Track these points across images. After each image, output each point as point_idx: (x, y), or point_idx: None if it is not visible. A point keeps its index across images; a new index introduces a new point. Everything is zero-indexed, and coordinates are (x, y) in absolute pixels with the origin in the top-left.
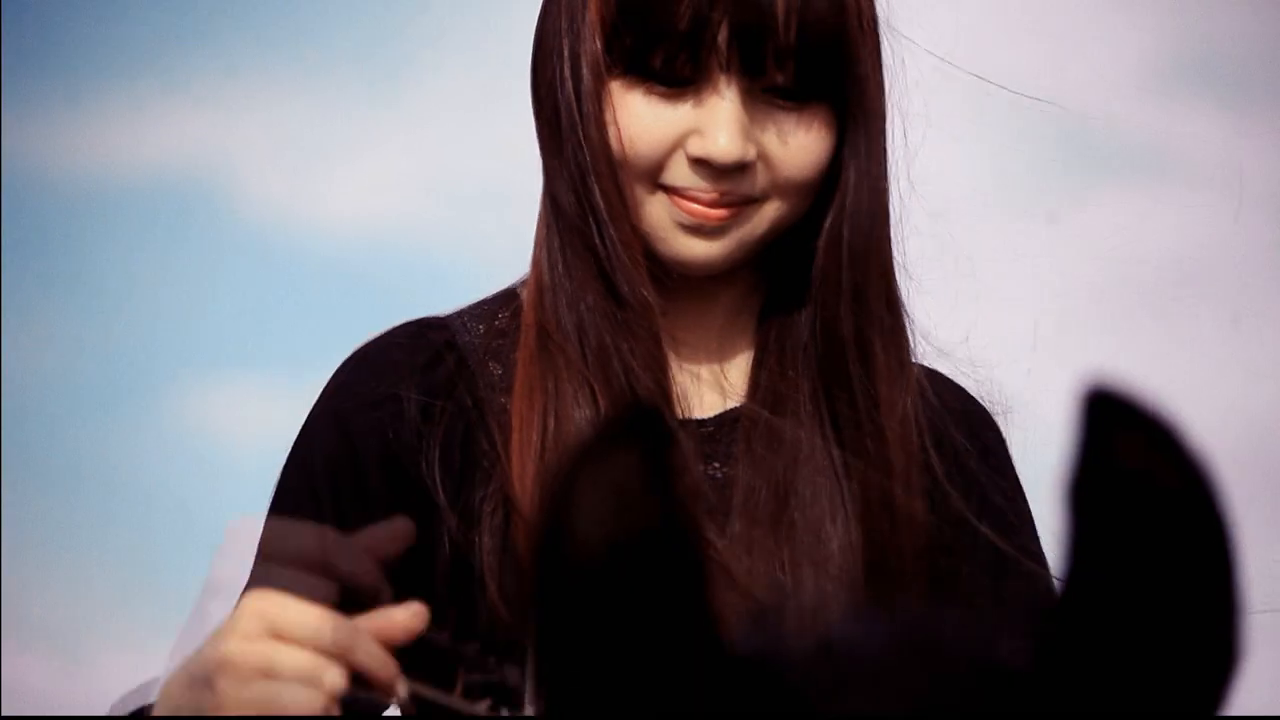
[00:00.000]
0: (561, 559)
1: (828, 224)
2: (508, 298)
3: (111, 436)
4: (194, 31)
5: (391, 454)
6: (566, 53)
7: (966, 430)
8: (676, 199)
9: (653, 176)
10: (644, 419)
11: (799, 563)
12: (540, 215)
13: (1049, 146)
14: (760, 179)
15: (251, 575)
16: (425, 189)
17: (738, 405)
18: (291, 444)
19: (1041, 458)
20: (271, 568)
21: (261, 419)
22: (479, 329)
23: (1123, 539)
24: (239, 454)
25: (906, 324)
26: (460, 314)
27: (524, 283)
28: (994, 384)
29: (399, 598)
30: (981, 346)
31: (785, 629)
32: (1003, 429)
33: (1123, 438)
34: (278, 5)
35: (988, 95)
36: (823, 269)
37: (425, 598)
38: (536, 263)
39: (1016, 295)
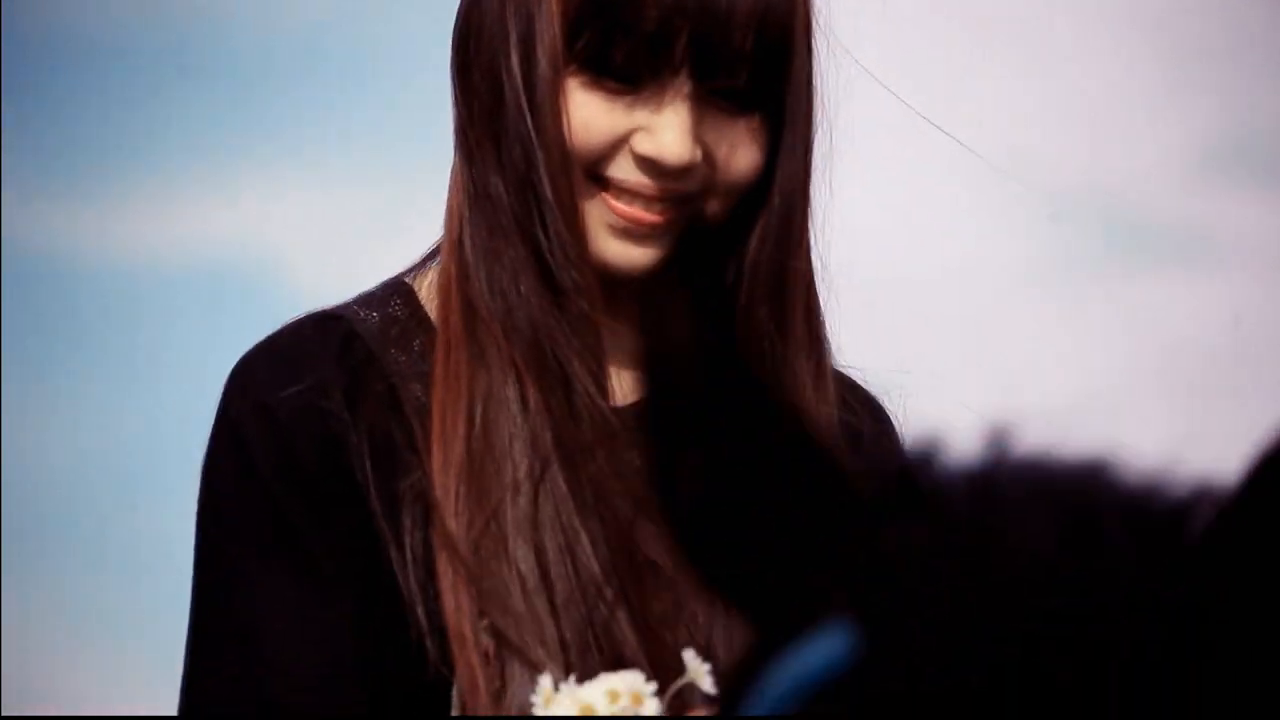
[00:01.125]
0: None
1: (759, 224)
2: (396, 287)
3: (148, 521)
4: (229, 120)
5: (326, 444)
6: (514, 40)
7: (873, 424)
8: (610, 202)
9: (594, 171)
10: None
11: None
12: (456, 199)
13: (1090, 230)
14: (700, 179)
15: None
16: None
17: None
18: (214, 445)
19: None
20: None
21: None
22: (373, 317)
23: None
24: None
25: (826, 334)
26: (350, 305)
27: (417, 273)
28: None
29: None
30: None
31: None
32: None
33: None
34: (316, 93)
35: (1030, 179)
36: (750, 270)
37: (372, 600)
38: (456, 245)
39: (1053, 377)
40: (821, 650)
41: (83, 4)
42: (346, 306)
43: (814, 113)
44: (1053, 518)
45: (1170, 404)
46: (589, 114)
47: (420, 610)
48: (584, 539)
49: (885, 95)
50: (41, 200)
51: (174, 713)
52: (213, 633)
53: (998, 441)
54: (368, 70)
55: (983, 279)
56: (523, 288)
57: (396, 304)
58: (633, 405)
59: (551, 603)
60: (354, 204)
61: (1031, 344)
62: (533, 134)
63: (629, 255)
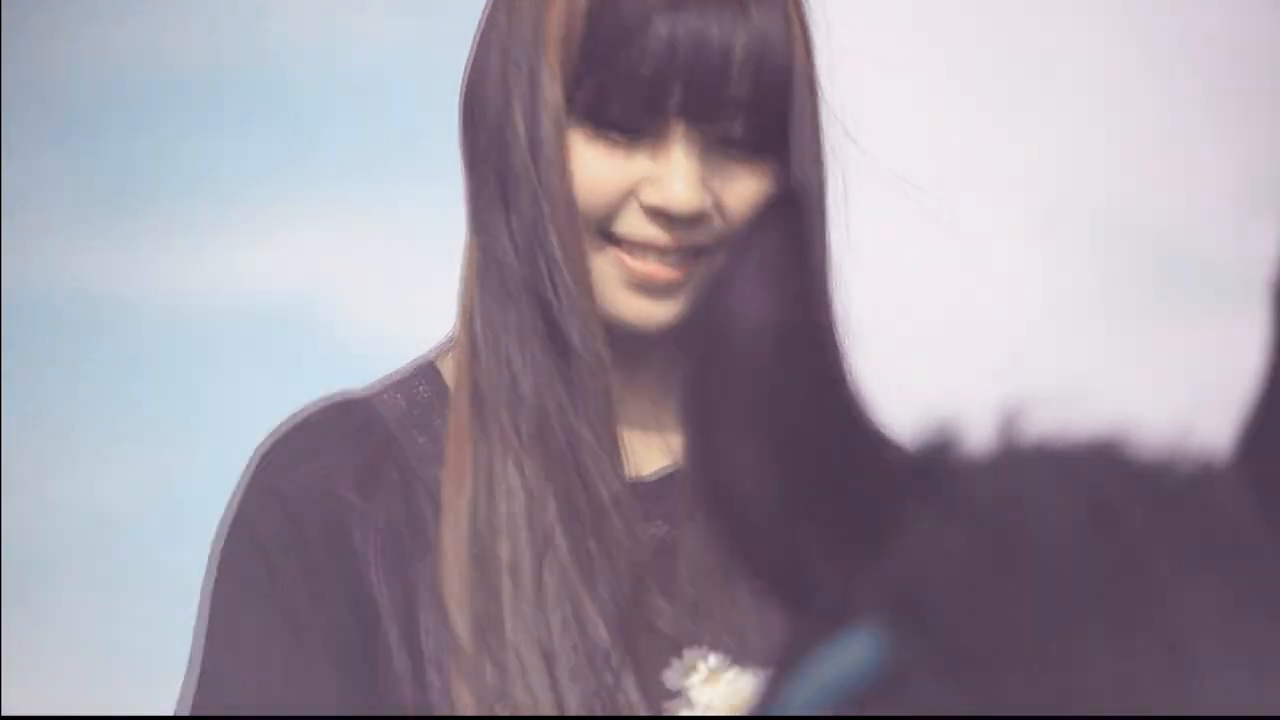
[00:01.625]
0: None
1: None
2: (424, 370)
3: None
4: (291, 163)
5: (332, 528)
6: (517, 100)
7: None
8: (623, 257)
9: (603, 227)
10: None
11: (745, 630)
12: (468, 271)
13: (1147, 270)
14: (714, 230)
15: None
16: None
17: (677, 462)
18: (227, 528)
19: None
20: None
21: None
22: (399, 400)
23: None
24: None
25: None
26: (378, 386)
27: (442, 352)
28: None
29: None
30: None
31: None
32: None
33: None
34: (372, 135)
35: (1084, 220)
36: None
37: (369, 680)
38: (468, 318)
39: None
40: (848, 657)
41: (132, 41)
42: (374, 388)
43: (823, 155)
44: (1073, 504)
45: (1216, 444)
46: (594, 166)
47: (436, 696)
48: (590, 607)
49: (922, 130)
50: (86, 238)
51: (173, 713)
52: (204, 690)
53: (1010, 425)
54: (427, 113)
55: (1027, 319)
56: (528, 355)
57: (422, 385)
58: (653, 475)
59: (553, 683)
60: (406, 248)
61: (1076, 385)
62: (539, 189)
63: (645, 311)
